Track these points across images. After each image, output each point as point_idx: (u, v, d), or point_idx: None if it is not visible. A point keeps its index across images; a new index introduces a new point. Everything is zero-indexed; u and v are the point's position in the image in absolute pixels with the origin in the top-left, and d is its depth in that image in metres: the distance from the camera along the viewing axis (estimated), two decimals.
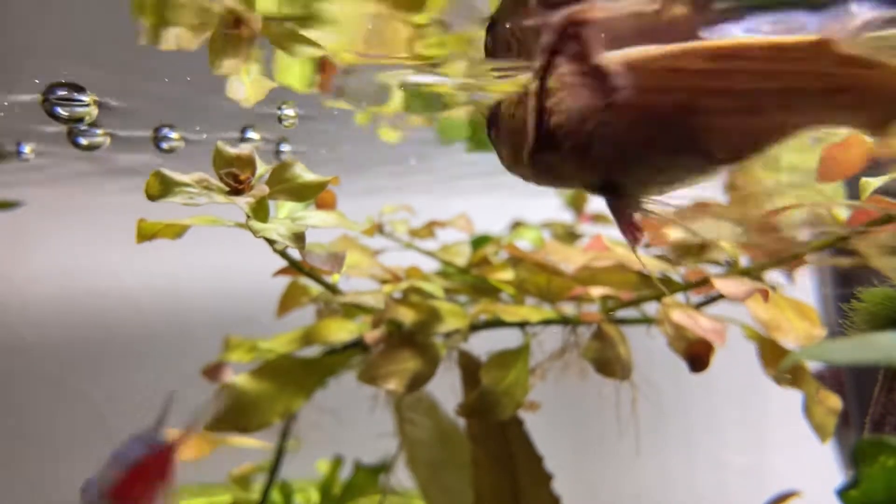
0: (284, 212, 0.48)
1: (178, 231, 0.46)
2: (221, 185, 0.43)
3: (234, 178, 0.43)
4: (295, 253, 0.51)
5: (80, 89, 0.52)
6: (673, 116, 0.39)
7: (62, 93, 0.51)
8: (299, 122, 0.61)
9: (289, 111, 0.60)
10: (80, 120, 0.54)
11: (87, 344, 0.94)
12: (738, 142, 0.40)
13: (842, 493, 0.37)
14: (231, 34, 0.46)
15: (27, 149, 0.65)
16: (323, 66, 0.54)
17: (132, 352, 0.95)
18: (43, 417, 0.96)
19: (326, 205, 0.55)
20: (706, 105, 0.39)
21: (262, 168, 0.46)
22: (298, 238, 0.43)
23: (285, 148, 0.70)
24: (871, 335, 0.46)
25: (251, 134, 0.69)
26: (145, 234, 0.46)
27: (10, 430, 0.95)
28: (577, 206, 0.97)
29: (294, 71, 0.53)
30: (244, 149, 0.44)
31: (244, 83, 0.54)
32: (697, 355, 0.57)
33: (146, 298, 0.81)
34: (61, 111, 0.52)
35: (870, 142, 0.54)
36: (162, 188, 0.41)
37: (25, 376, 0.95)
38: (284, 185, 0.45)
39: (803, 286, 0.90)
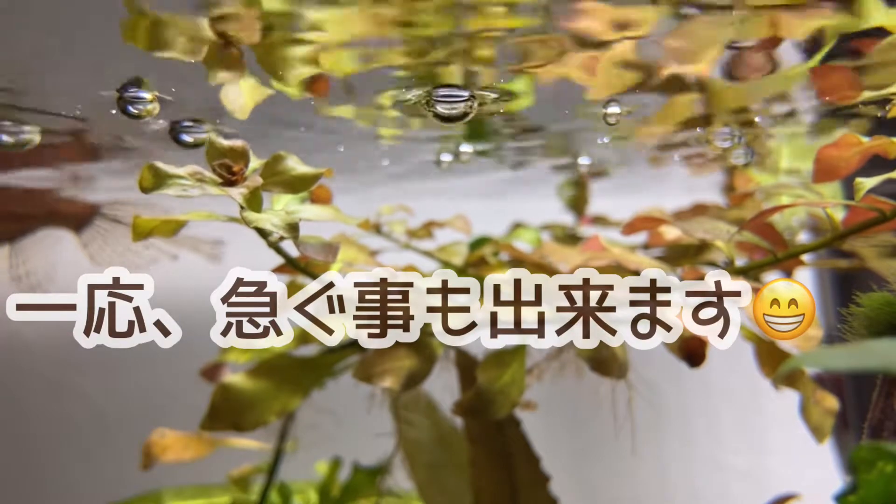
0: (280, 205, 0.49)
1: (174, 227, 0.46)
2: (215, 176, 0.44)
3: (228, 169, 0.44)
4: (290, 249, 0.51)
5: None
6: None
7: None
8: None
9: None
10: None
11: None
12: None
13: (840, 499, 0.37)
14: (223, 55, 0.47)
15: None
16: (314, 77, 0.54)
17: (131, 351, 0.95)
18: (42, 417, 0.96)
19: (322, 200, 0.56)
20: None
21: (256, 161, 0.46)
22: (292, 228, 0.44)
23: None
24: (870, 342, 0.46)
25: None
26: (141, 230, 0.46)
27: (10, 430, 0.95)
28: (577, 208, 0.97)
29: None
30: (237, 141, 0.45)
31: (241, 92, 0.54)
32: (693, 351, 0.57)
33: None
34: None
35: (865, 141, 0.54)
36: (155, 180, 0.41)
37: (25, 376, 0.95)
38: (278, 177, 0.45)
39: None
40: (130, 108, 0.52)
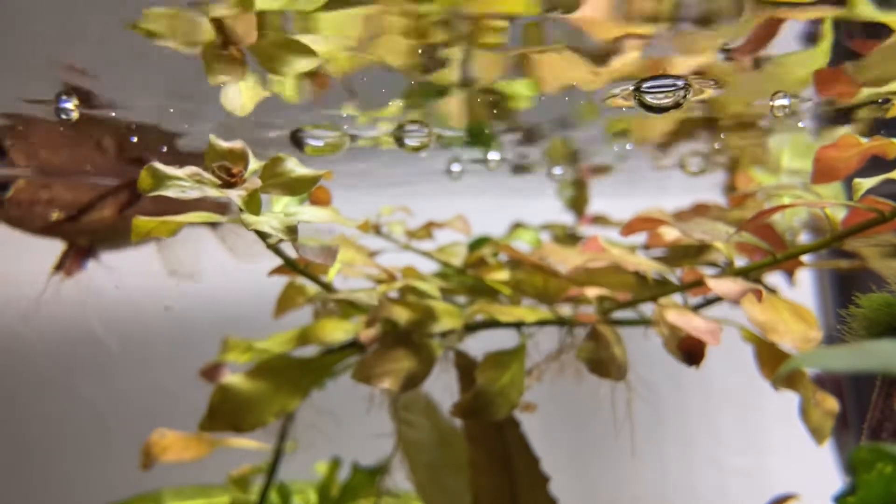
0: (279, 207, 0.48)
1: (173, 228, 0.46)
2: (214, 178, 0.44)
3: (227, 171, 0.44)
4: (290, 251, 0.51)
5: None
6: None
7: None
8: None
9: None
10: None
11: (86, 344, 0.94)
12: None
13: (839, 499, 0.37)
14: (221, 54, 0.47)
15: None
16: (315, 74, 0.54)
17: (131, 352, 0.95)
18: (42, 418, 0.96)
19: (321, 201, 0.55)
20: None
21: (256, 163, 0.46)
22: (290, 230, 0.44)
23: None
24: (869, 343, 0.46)
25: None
26: (141, 231, 0.46)
27: (10, 431, 0.95)
28: (577, 208, 0.97)
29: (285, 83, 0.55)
30: (236, 143, 0.44)
31: (241, 92, 0.54)
32: (691, 350, 0.57)
33: (145, 298, 0.82)
34: None
35: (864, 142, 0.54)
36: (154, 181, 0.41)
37: (25, 377, 0.95)
38: (277, 179, 0.45)
39: (803, 290, 0.90)
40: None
